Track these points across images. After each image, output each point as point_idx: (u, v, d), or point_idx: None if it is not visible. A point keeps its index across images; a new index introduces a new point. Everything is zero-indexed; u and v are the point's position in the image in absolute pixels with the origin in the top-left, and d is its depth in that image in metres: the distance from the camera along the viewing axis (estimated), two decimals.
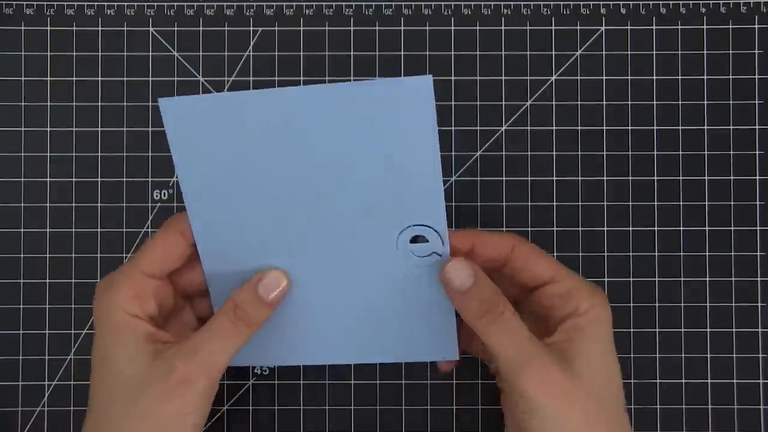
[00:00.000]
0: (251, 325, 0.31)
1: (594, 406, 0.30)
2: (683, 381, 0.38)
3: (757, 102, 0.39)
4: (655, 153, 0.39)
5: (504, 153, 0.39)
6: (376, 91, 0.29)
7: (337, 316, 0.34)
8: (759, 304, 0.39)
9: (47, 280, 0.38)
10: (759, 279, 0.39)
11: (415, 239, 0.32)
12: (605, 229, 0.39)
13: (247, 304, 0.31)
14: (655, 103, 0.39)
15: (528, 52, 0.39)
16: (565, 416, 0.30)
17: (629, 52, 0.39)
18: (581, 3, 0.39)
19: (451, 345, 0.34)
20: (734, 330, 0.39)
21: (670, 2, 0.39)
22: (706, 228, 0.39)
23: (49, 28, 0.39)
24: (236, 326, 0.31)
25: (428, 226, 0.32)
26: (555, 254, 0.39)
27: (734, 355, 0.38)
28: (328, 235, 0.32)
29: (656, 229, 0.39)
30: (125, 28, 0.39)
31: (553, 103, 0.39)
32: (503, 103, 0.39)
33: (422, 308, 0.33)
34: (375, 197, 0.31)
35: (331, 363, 0.37)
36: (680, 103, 0.39)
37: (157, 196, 0.39)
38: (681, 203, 0.39)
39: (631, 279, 0.39)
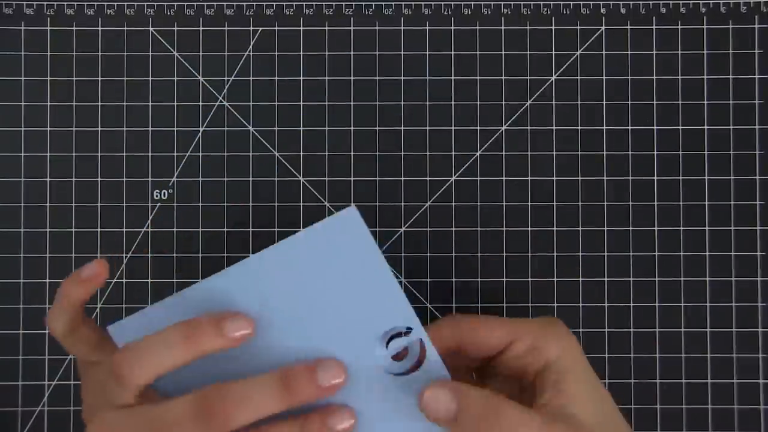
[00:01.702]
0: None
1: None
2: (683, 381, 0.38)
3: (757, 102, 0.39)
4: (655, 153, 0.39)
5: (504, 153, 0.39)
6: (307, 240, 0.30)
7: None
8: (759, 304, 0.39)
9: (47, 280, 0.38)
10: (759, 279, 0.39)
11: (396, 357, 0.31)
12: (605, 229, 0.39)
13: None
14: (655, 103, 0.39)
15: (528, 52, 0.39)
16: None
17: (629, 52, 0.39)
18: (581, 3, 0.39)
19: None
20: (734, 330, 0.39)
21: (670, 2, 0.39)
22: (706, 228, 0.39)
23: (49, 28, 0.39)
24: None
25: (405, 332, 0.30)
26: (555, 254, 0.39)
27: (734, 355, 0.38)
28: None
29: (656, 229, 0.39)
30: (125, 28, 0.39)
31: (553, 103, 0.39)
32: (503, 103, 0.39)
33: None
34: (344, 324, 0.30)
35: None
36: (680, 103, 0.39)
37: (157, 196, 0.39)
38: (681, 203, 0.39)
39: (631, 279, 0.39)
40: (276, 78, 0.39)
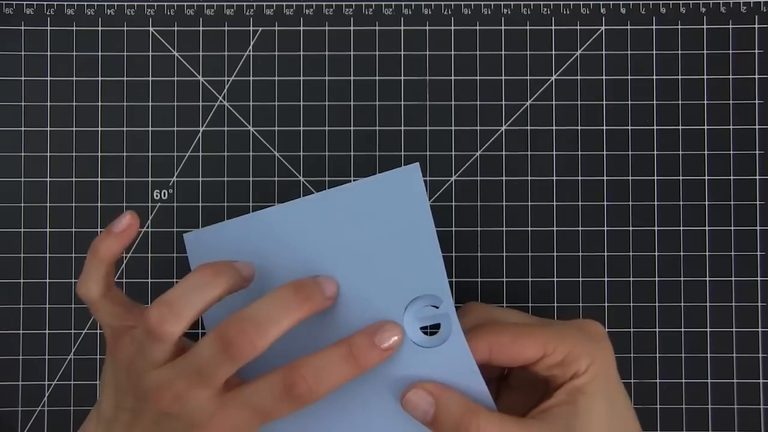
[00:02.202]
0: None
1: None
2: (683, 381, 0.38)
3: (757, 102, 0.39)
4: (655, 153, 0.39)
5: (504, 153, 0.39)
6: (366, 190, 0.31)
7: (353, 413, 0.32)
8: (759, 304, 0.39)
9: (47, 280, 0.38)
10: (759, 279, 0.39)
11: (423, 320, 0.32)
12: (605, 229, 0.39)
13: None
14: (655, 103, 0.39)
15: (528, 52, 0.39)
16: None
17: (629, 52, 0.39)
18: (581, 3, 0.39)
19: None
20: (734, 330, 0.39)
21: (670, 2, 0.39)
22: (706, 228, 0.39)
23: (49, 28, 0.39)
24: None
25: (432, 295, 0.31)
26: (555, 254, 0.39)
27: (734, 355, 0.38)
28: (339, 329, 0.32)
29: (656, 228, 0.39)
30: (125, 28, 0.39)
31: (553, 102, 0.39)
32: (503, 103, 0.39)
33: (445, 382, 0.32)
34: (377, 282, 0.31)
35: None
36: (680, 103, 0.39)
37: (157, 196, 0.39)
38: (681, 203, 0.39)
39: (631, 279, 0.39)
40: (276, 78, 0.39)
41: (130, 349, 0.30)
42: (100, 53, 0.39)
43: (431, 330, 0.31)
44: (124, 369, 0.30)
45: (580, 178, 0.39)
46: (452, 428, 0.29)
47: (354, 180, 0.38)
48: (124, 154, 0.39)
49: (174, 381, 0.29)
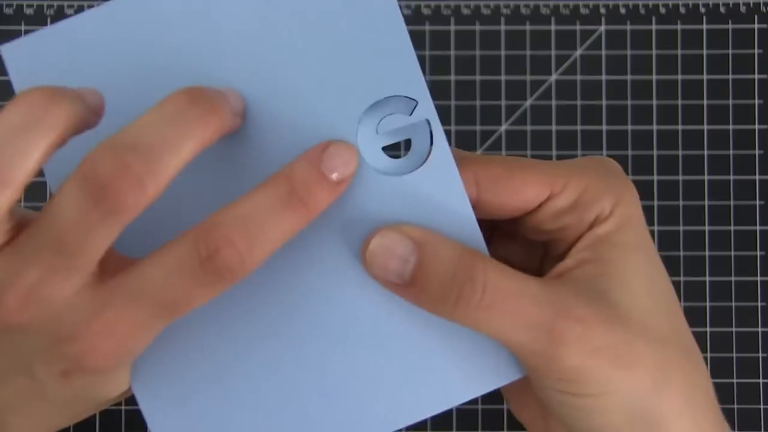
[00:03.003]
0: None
1: (660, 353, 0.21)
2: None
3: (757, 102, 0.39)
4: (655, 153, 0.39)
5: (504, 153, 0.39)
6: None
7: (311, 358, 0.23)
8: (759, 304, 0.39)
9: None
10: (759, 279, 0.39)
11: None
12: None
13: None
14: (655, 103, 0.39)
15: (528, 52, 0.39)
16: (627, 386, 0.20)
17: (629, 52, 0.39)
18: (581, 3, 0.39)
19: (509, 359, 0.22)
20: (734, 330, 0.39)
21: (670, 2, 0.39)
22: (706, 228, 0.39)
23: None
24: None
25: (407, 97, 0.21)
26: None
27: (734, 355, 0.38)
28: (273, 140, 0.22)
29: (656, 228, 0.39)
30: None
31: (553, 103, 0.39)
32: (503, 103, 0.39)
33: (430, 219, 0.22)
34: (322, 77, 0.21)
35: None
36: (680, 102, 0.39)
37: None
38: (681, 203, 0.39)
39: None
40: None
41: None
42: None
43: (396, 151, 0.22)
44: None
45: None
46: (443, 285, 0.20)
47: None
48: None
49: (18, 272, 0.19)
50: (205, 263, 0.18)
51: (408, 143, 0.21)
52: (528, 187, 0.21)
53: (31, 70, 0.22)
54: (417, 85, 0.21)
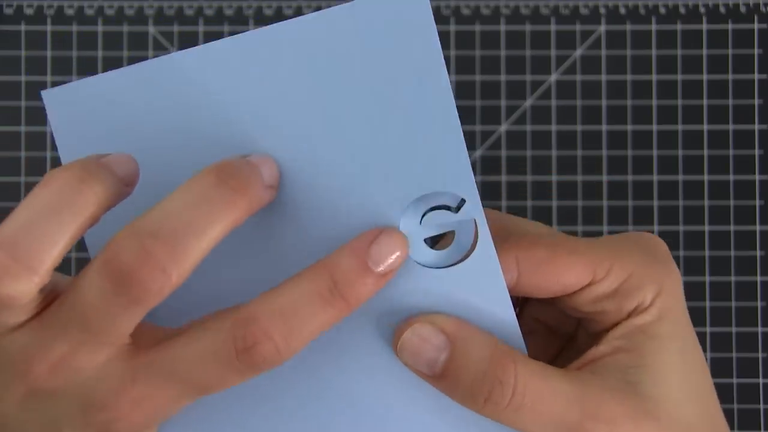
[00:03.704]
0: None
1: None
2: None
3: (756, 102, 0.39)
4: (655, 153, 0.39)
5: (504, 153, 0.39)
6: (336, 20, 0.20)
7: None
8: (759, 304, 0.39)
9: None
10: (759, 279, 0.39)
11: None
12: (605, 228, 0.39)
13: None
14: (655, 103, 0.39)
15: (528, 52, 0.39)
16: None
17: (629, 52, 0.39)
18: (581, 3, 0.39)
19: (517, 339, 0.23)
20: (734, 330, 0.39)
21: (670, 2, 0.39)
22: (706, 228, 0.39)
23: (49, 28, 0.39)
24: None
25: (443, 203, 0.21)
26: None
27: (734, 355, 0.38)
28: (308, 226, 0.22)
29: (656, 228, 0.39)
30: (125, 28, 0.39)
31: (553, 103, 0.39)
32: (503, 103, 0.39)
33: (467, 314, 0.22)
34: (364, 161, 0.21)
35: None
36: (680, 102, 0.39)
37: None
38: (681, 203, 0.39)
39: None
40: None
41: None
42: (100, 53, 0.39)
43: (440, 243, 0.21)
44: None
45: (580, 178, 0.39)
46: (473, 381, 0.20)
47: None
48: None
49: (47, 343, 0.19)
50: (242, 354, 0.18)
51: (452, 235, 0.21)
52: (570, 272, 0.21)
53: (69, 116, 0.22)
54: (467, 183, 0.20)
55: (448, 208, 0.21)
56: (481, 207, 0.21)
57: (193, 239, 0.18)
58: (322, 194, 0.21)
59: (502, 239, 0.22)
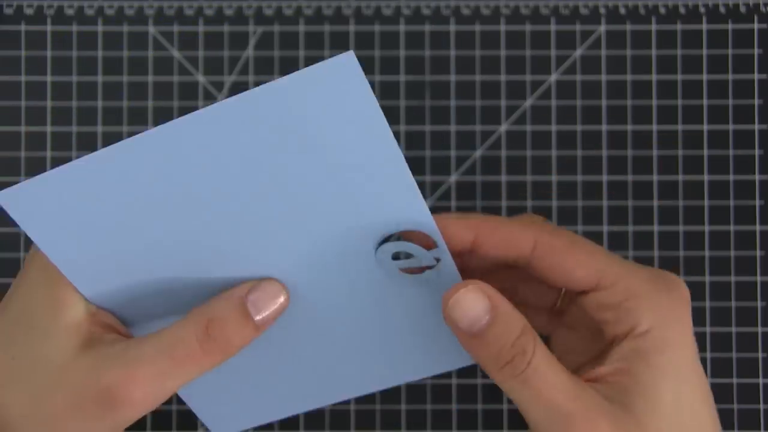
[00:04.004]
0: (226, 351, 0.23)
1: None
2: None
3: (756, 102, 0.39)
4: (655, 153, 0.39)
5: (504, 153, 0.39)
6: (287, 89, 0.22)
7: (323, 350, 0.28)
8: (759, 304, 0.39)
9: None
10: (759, 279, 0.39)
11: (396, 256, 0.26)
12: (605, 228, 0.39)
13: (228, 321, 0.23)
14: (655, 103, 0.39)
15: (528, 52, 0.39)
16: None
17: (629, 52, 0.39)
18: (581, 3, 0.39)
19: (462, 351, 0.27)
20: (734, 330, 0.39)
21: (670, 2, 0.39)
22: (706, 227, 0.39)
23: (49, 28, 0.39)
24: (205, 350, 0.23)
25: (408, 240, 0.25)
26: None
27: (734, 355, 0.38)
28: (286, 276, 0.26)
29: (656, 228, 0.39)
30: (125, 28, 0.39)
31: (553, 103, 0.39)
32: (503, 103, 0.39)
33: (422, 322, 0.27)
34: (329, 214, 0.24)
35: (328, 404, 0.32)
36: (680, 102, 0.39)
37: None
38: (681, 203, 0.39)
39: None
40: (276, 78, 0.39)
41: None
42: (100, 53, 0.39)
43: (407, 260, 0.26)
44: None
45: (580, 178, 0.39)
46: (503, 346, 0.22)
47: None
48: None
49: None
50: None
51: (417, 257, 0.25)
52: (579, 269, 0.23)
53: (34, 213, 0.24)
54: (424, 216, 0.24)
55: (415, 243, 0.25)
56: (441, 237, 0.24)
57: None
58: (305, 246, 0.25)
59: (529, 221, 0.25)
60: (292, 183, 0.24)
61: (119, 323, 0.26)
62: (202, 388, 0.28)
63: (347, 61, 0.22)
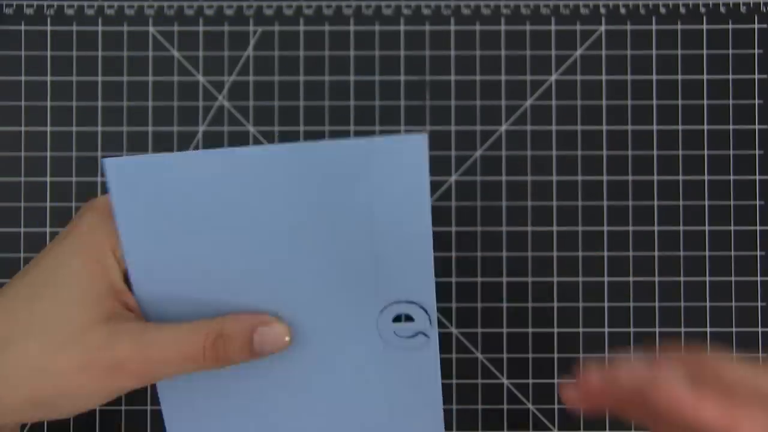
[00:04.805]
0: (223, 363, 0.27)
1: None
2: None
3: (756, 102, 0.39)
4: (655, 153, 0.39)
5: (504, 153, 0.39)
6: (357, 151, 0.26)
7: (309, 399, 0.30)
8: (759, 304, 0.39)
9: None
10: (759, 279, 0.39)
11: (397, 318, 0.29)
12: (605, 228, 0.39)
13: (233, 342, 0.27)
14: (655, 103, 0.39)
15: (528, 52, 0.39)
16: None
17: (629, 52, 0.39)
18: (581, 3, 0.39)
19: (438, 426, 0.31)
20: (734, 330, 0.39)
21: (670, 2, 0.39)
22: (706, 228, 0.39)
23: (49, 28, 0.39)
24: (207, 356, 0.27)
25: (414, 303, 0.28)
26: (555, 254, 0.39)
27: (734, 355, 0.38)
28: (298, 310, 0.29)
29: (656, 228, 0.39)
30: (125, 28, 0.39)
31: (553, 103, 0.39)
32: (503, 103, 0.39)
33: (404, 391, 0.30)
34: (354, 268, 0.28)
35: None
36: (680, 102, 0.39)
37: None
38: (681, 203, 0.39)
39: (631, 279, 0.39)
40: (276, 78, 0.39)
41: None
42: (100, 53, 0.39)
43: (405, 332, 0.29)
44: None
45: (580, 178, 0.39)
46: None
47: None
48: (124, 154, 0.39)
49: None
50: None
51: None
52: (702, 415, 0.23)
53: (129, 188, 0.28)
54: (429, 300, 0.28)
55: (414, 302, 0.28)
56: (434, 304, 0.28)
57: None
58: (321, 292, 0.28)
59: (697, 360, 0.25)
60: (333, 231, 0.27)
61: (137, 307, 0.28)
62: (182, 401, 0.30)
63: (419, 142, 0.26)
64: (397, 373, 0.30)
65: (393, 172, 0.26)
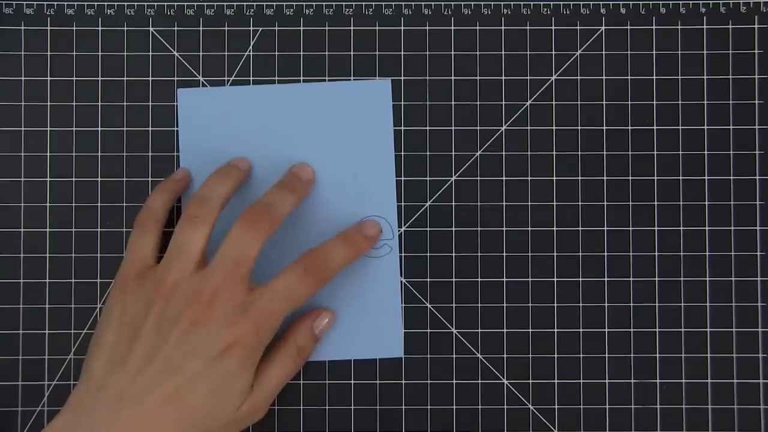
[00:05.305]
0: (305, 358, 0.37)
1: None
2: (683, 381, 0.38)
3: (757, 102, 0.39)
4: (655, 153, 0.39)
5: (504, 153, 0.39)
6: (343, 89, 0.38)
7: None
8: (759, 304, 0.39)
9: (47, 280, 0.38)
10: (759, 279, 0.39)
11: None
12: (605, 229, 0.39)
13: (307, 346, 0.37)
14: (655, 103, 0.39)
15: (528, 52, 0.39)
16: None
17: (629, 52, 0.39)
18: (581, 3, 0.39)
19: (396, 342, 0.38)
20: (734, 330, 0.39)
21: (670, 2, 0.39)
22: (706, 228, 0.39)
23: (49, 28, 0.39)
24: (296, 363, 0.36)
25: (382, 217, 0.38)
26: (555, 254, 0.39)
27: (734, 355, 0.38)
28: (301, 208, 0.38)
29: (656, 228, 0.39)
30: (125, 28, 0.39)
31: (553, 103, 0.39)
32: (503, 103, 0.39)
33: (370, 304, 0.38)
34: (339, 181, 0.38)
35: None
36: (680, 103, 0.39)
37: None
38: (681, 203, 0.39)
39: (631, 279, 0.39)
40: (276, 78, 0.39)
41: (151, 282, 0.33)
42: (100, 53, 0.39)
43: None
44: (144, 302, 0.33)
45: (580, 178, 0.39)
46: None
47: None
48: (124, 154, 0.39)
49: (210, 277, 0.33)
50: (306, 270, 0.35)
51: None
52: None
53: (193, 115, 0.38)
54: (392, 215, 0.38)
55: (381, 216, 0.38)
56: (396, 217, 0.38)
57: (279, 207, 0.35)
58: (315, 205, 0.38)
59: None
60: (326, 150, 0.38)
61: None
62: None
63: (384, 85, 0.38)
64: (366, 275, 0.38)
65: (366, 108, 0.38)
